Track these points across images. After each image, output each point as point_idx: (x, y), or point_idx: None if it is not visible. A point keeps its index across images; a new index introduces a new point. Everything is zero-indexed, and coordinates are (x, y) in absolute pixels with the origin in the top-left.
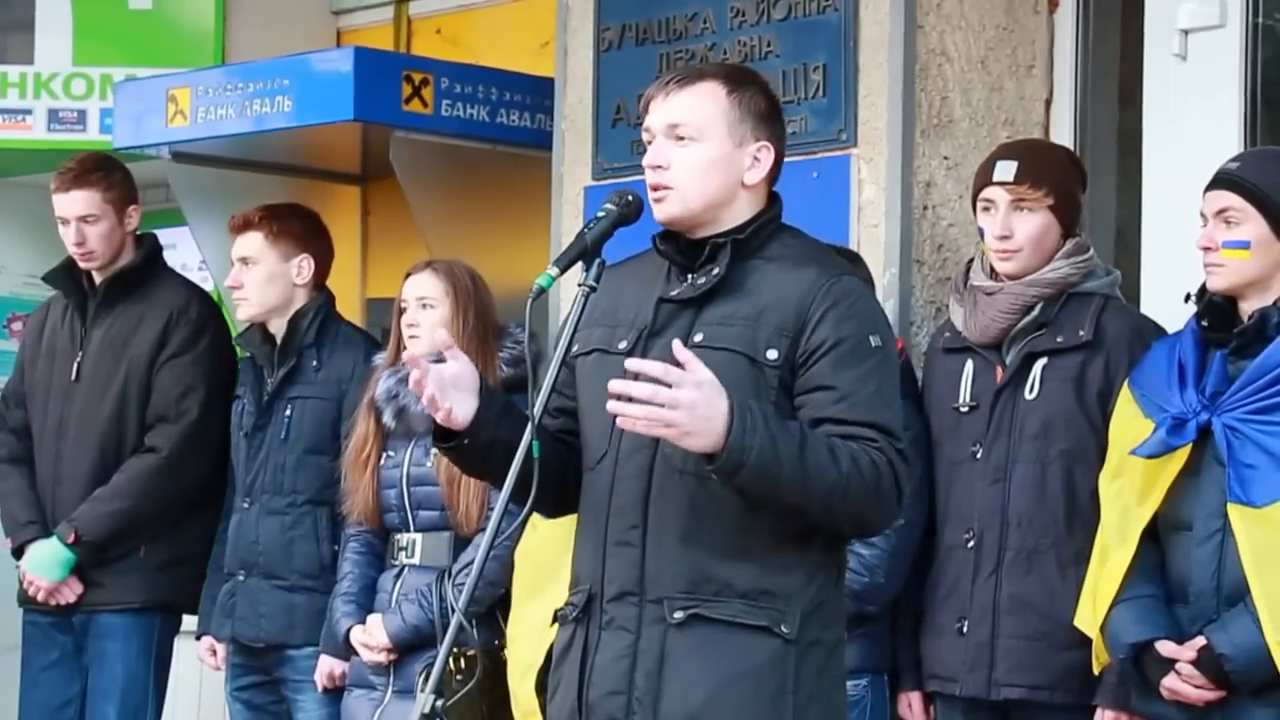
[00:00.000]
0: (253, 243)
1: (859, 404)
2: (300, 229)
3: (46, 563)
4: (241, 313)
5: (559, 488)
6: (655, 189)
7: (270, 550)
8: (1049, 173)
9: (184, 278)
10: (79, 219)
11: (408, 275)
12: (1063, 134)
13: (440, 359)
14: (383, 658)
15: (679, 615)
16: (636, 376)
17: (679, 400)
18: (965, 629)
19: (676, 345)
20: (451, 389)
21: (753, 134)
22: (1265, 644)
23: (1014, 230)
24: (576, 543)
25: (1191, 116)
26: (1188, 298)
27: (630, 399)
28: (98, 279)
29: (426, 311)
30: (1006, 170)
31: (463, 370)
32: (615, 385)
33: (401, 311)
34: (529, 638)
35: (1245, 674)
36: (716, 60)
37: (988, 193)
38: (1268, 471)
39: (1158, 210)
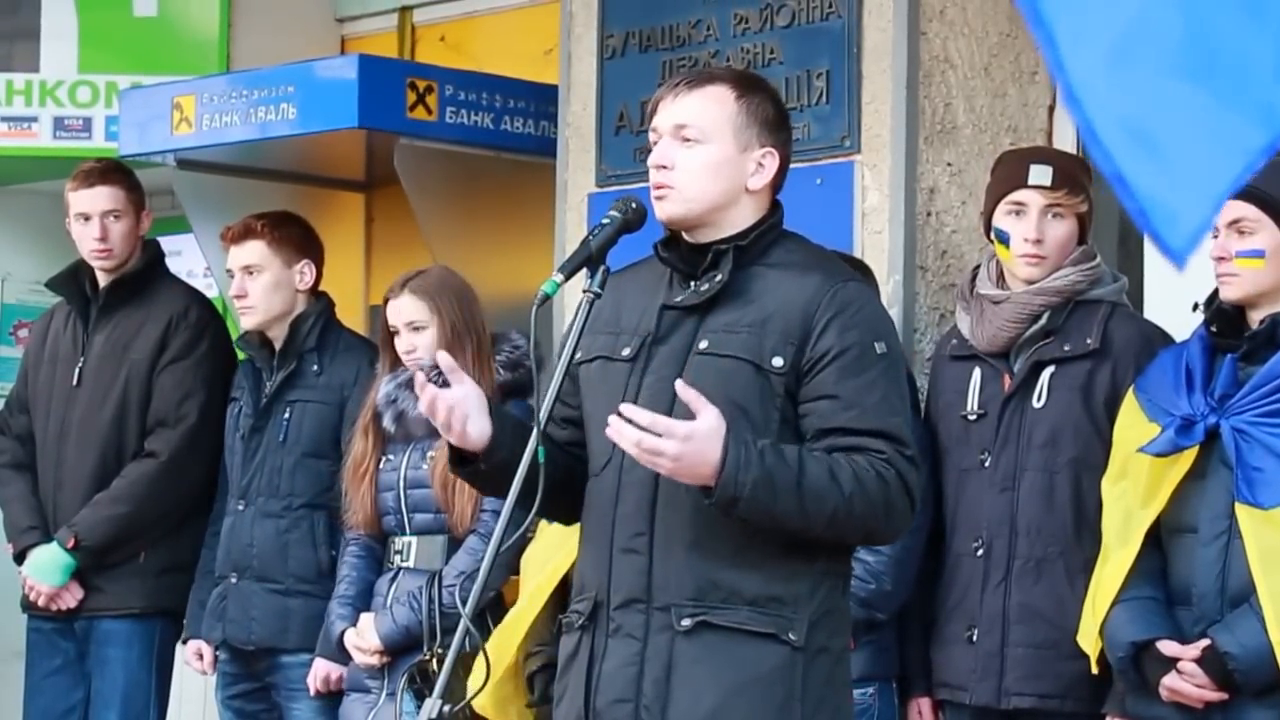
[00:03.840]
0: (255, 251)
1: (865, 413)
2: (298, 235)
3: (47, 568)
4: (247, 321)
5: (569, 496)
6: (658, 188)
7: (264, 553)
8: (1081, 180)
9: (185, 283)
10: (103, 214)
11: (387, 299)
12: (1066, 140)
13: (438, 372)
14: (375, 660)
15: (686, 622)
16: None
17: (663, 450)
18: (975, 638)
19: (680, 386)
20: (461, 412)
21: (758, 140)
22: (1270, 644)
23: (1045, 235)
24: (581, 550)
25: None
26: (1195, 306)
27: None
28: (101, 283)
29: (419, 334)
30: (1043, 175)
31: (469, 392)
32: (613, 419)
33: (392, 332)
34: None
35: (1249, 674)
36: (720, 66)
37: (1019, 196)
38: (1276, 474)
39: None
